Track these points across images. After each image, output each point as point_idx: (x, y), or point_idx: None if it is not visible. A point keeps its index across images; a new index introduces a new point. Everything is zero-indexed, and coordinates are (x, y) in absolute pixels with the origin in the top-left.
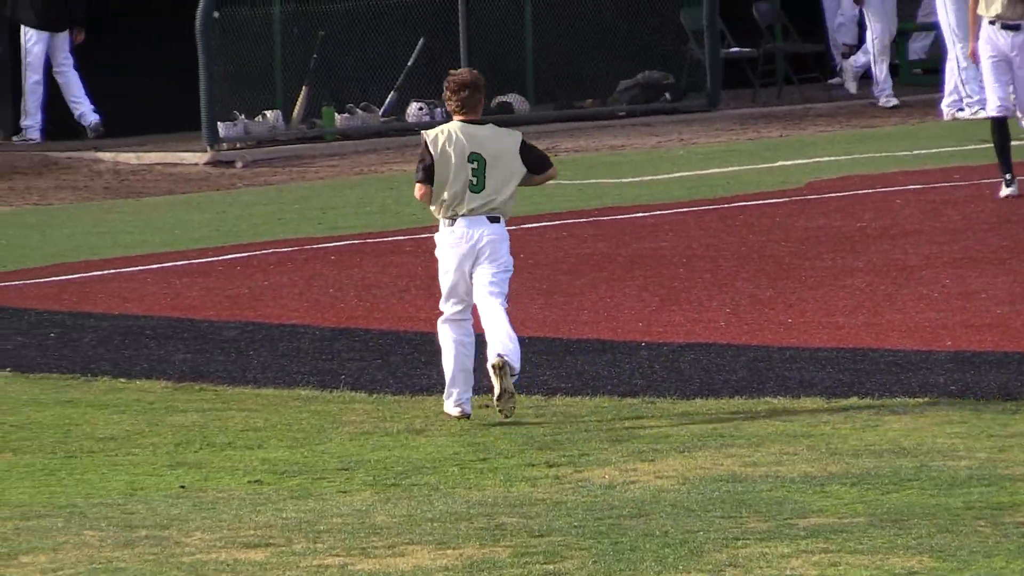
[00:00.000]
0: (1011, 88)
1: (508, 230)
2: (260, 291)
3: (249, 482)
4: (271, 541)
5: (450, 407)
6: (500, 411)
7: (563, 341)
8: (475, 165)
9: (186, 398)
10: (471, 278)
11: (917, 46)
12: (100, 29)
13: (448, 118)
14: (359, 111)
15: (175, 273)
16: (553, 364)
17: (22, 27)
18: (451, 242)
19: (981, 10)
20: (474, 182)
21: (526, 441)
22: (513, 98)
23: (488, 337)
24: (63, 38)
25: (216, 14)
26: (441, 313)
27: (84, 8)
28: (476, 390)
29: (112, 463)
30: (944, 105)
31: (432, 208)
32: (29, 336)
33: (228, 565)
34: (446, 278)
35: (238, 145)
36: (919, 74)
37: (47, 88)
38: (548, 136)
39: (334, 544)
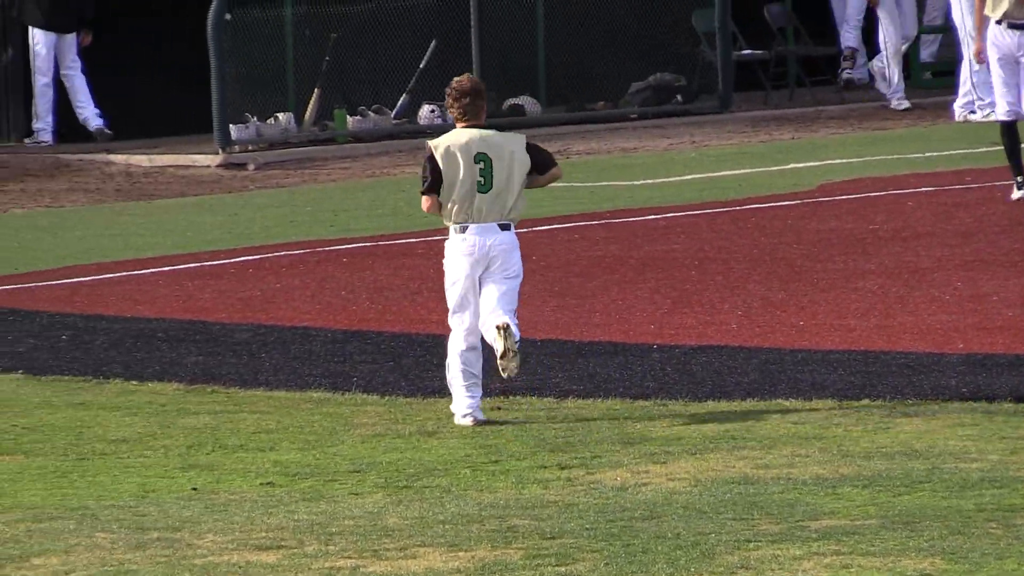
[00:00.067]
0: (1020, 90)
1: (519, 232)
2: (272, 293)
3: (261, 484)
4: (283, 543)
5: (461, 419)
6: (503, 370)
7: (575, 343)
8: (482, 165)
9: (198, 400)
10: (480, 286)
11: (923, 52)
12: (111, 29)
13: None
14: (371, 113)
15: (187, 275)
16: (565, 366)
17: (29, 28)
18: (462, 250)
19: (988, 11)
20: (482, 182)
21: (538, 443)
22: (525, 100)
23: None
24: (70, 40)
25: (228, 16)
26: (450, 328)
27: (94, 10)
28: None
29: (124, 465)
30: (957, 106)
31: (442, 215)
32: (41, 338)
33: (240, 567)
34: (455, 289)
35: (250, 147)
36: (929, 78)
37: (57, 90)
38: (560, 138)
39: (346, 546)
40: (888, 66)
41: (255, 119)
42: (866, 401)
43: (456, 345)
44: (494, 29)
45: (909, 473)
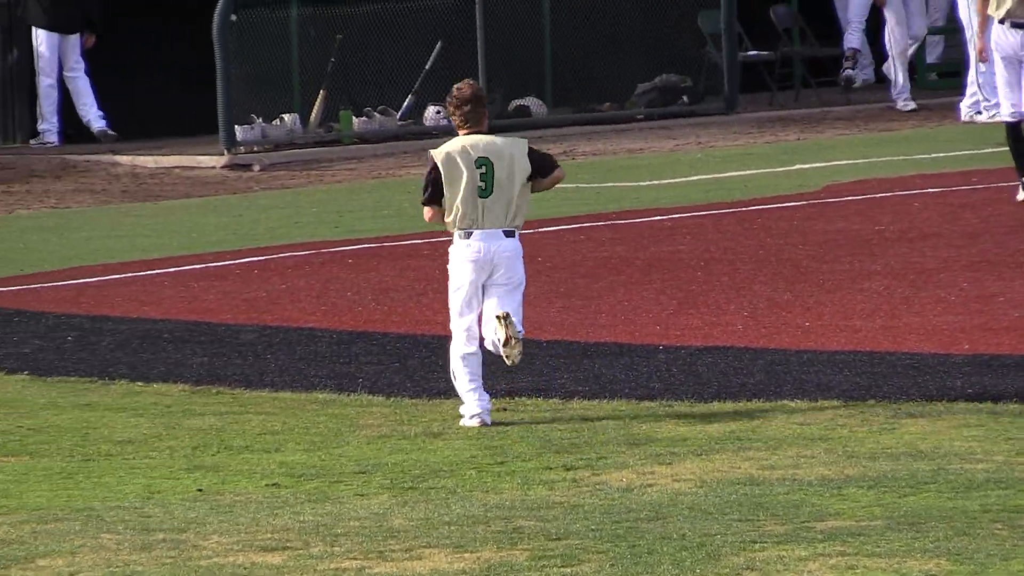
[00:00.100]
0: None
1: (525, 233)
2: (277, 294)
3: (266, 485)
4: (288, 544)
5: (468, 420)
6: (506, 358)
7: (581, 344)
8: (483, 170)
9: (203, 401)
10: (483, 293)
11: (929, 53)
12: (114, 30)
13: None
14: (376, 114)
15: (192, 276)
16: (571, 367)
17: (32, 29)
18: (467, 255)
19: (991, 10)
20: (483, 187)
21: (543, 444)
22: (531, 102)
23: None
24: (74, 41)
25: (234, 17)
26: (451, 333)
27: (100, 11)
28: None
29: (129, 466)
30: (964, 105)
31: (447, 222)
32: (47, 339)
33: (245, 568)
34: (459, 293)
35: (255, 149)
36: (935, 79)
37: (62, 92)
38: (566, 139)
39: (351, 547)
40: (893, 67)
41: (260, 120)
42: (872, 402)
43: (459, 349)
44: (500, 30)
45: (915, 474)
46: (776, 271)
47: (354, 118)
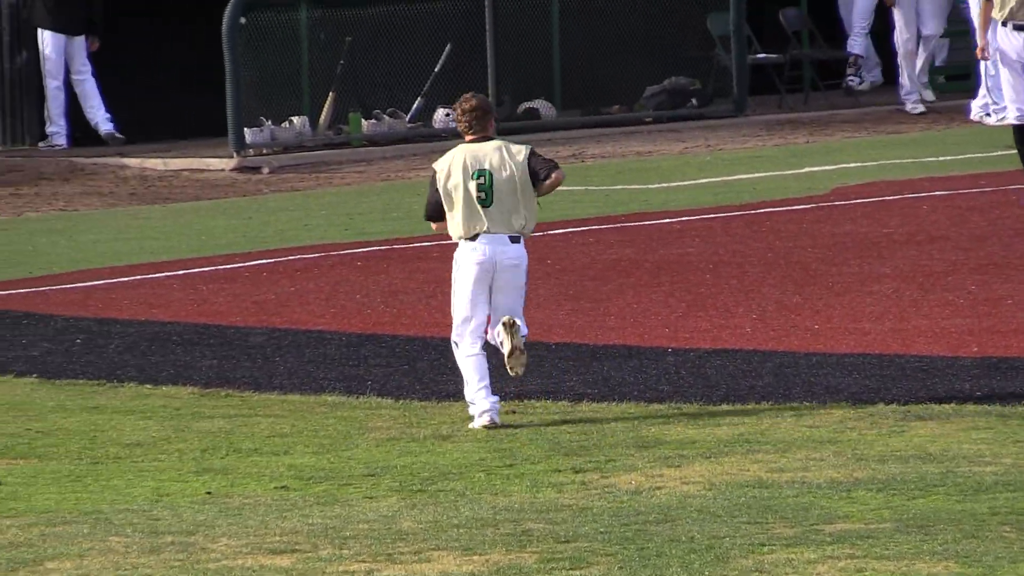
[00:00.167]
0: None
1: (534, 236)
2: (286, 297)
3: (275, 488)
4: (297, 547)
5: (479, 419)
6: (510, 369)
7: (590, 347)
8: (481, 180)
9: (212, 404)
10: (487, 296)
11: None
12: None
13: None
14: (386, 117)
15: (201, 279)
16: (580, 370)
17: (38, 31)
18: (472, 258)
19: (995, 13)
20: (483, 197)
21: (552, 447)
22: (540, 104)
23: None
24: (80, 43)
25: (243, 20)
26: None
27: (103, 13)
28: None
29: (138, 469)
30: (975, 104)
31: (451, 233)
32: (55, 342)
33: (254, 571)
34: (463, 296)
35: (264, 151)
36: (943, 82)
37: (70, 94)
38: (575, 142)
39: (360, 550)
40: (900, 68)
41: (270, 123)
42: (880, 405)
43: (464, 351)
44: (509, 33)
45: (923, 477)
46: (785, 274)
47: (363, 120)
